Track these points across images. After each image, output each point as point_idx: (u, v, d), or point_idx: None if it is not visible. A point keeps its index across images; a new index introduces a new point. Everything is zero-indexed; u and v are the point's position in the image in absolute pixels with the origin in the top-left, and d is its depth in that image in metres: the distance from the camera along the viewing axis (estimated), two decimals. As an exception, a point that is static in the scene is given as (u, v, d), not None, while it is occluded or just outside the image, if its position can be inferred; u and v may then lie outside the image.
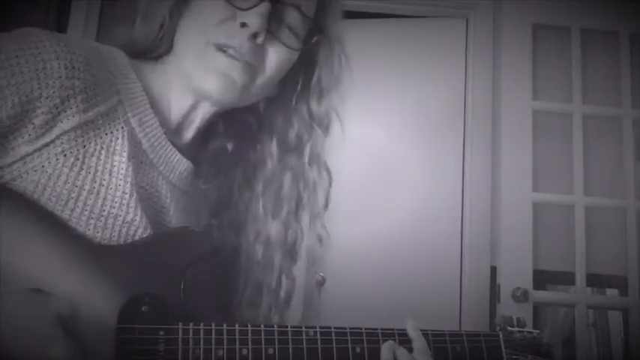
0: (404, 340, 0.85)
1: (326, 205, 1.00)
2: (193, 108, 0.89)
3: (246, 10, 0.80)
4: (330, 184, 0.99)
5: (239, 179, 0.97)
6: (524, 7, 2.56)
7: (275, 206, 0.95)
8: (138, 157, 0.83)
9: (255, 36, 0.81)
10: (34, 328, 0.62)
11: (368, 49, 2.77)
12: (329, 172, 0.99)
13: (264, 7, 0.81)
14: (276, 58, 0.85)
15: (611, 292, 2.62)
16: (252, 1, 0.80)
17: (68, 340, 0.62)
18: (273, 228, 0.94)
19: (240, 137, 0.99)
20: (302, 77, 0.94)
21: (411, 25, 2.80)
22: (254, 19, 0.80)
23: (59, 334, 0.63)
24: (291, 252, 0.96)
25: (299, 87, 0.94)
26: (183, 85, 0.87)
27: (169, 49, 0.89)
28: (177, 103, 0.89)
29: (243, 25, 0.81)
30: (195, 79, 0.83)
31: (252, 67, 0.83)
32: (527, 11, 2.56)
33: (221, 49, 0.82)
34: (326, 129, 0.96)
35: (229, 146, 0.99)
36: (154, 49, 0.90)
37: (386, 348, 0.82)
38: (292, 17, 0.85)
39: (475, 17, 2.66)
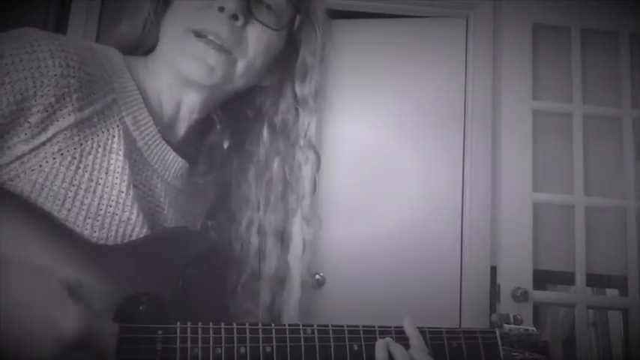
0: (401, 337, 0.85)
1: (314, 188, 0.99)
2: (180, 97, 0.89)
3: None
4: (317, 167, 0.98)
5: (236, 172, 0.97)
6: (524, 7, 2.56)
7: (266, 192, 0.95)
8: (132, 155, 0.83)
9: (234, 18, 0.82)
10: (42, 299, 0.60)
11: (368, 49, 2.78)
12: (317, 155, 0.98)
13: None
14: (257, 39, 0.86)
15: (611, 292, 2.62)
16: None
17: (78, 306, 0.61)
18: (265, 214, 0.95)
19: (237, 130, 0.99)
20: (287, 59, 0.94)
21: (411, 25, 2.80)
22: (230, 1, 0.81)
23: (69, 300, 0.61)
24: (282, 236, 0.96)
25: (284, 69, 0.95)
26: (168, 73, 0.87)
27: (156, 42, 0.90)
28: (166, 95, 0.89)
29: (221, 9, 0.82)
30: (176, 64, 0.84)
31: (231, 51, 0.84)
32: (527, 11, 2.56)
33: (200, 34, 0.83)
34: (311, 111, 0.96)
35: (226, 142, 1.00)
36: (142, 45, 0.91)
37: (380, 345, 0.82)
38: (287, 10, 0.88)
39: (475, 17, 2.66)
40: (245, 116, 0.98)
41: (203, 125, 0.96)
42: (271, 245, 0.95)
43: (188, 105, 0.90)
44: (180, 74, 0.85)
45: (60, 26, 2.42)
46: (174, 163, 0.90)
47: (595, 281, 2.45)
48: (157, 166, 0.87)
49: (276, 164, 0.95)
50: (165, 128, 0.90)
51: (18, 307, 0.59)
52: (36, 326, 0.59)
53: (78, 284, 0.64)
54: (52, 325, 0.59)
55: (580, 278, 2.34)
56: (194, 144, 0.96)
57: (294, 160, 0.96)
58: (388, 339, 0.83)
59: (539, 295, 2.35)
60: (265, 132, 0.95)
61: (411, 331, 0.85)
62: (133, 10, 0.91)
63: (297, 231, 0.99)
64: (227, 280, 0.94)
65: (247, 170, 0.96)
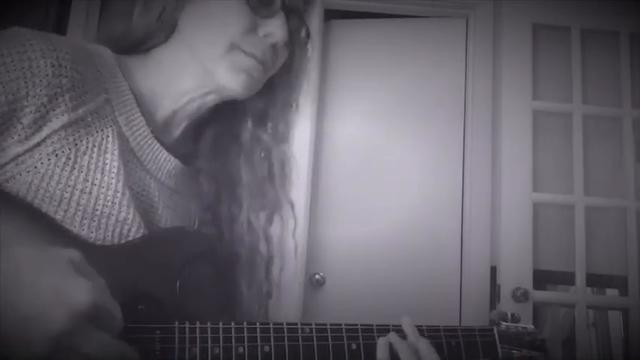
0: (400, 336, 0.85)
1: (290, 173, 1.01)
2: (189, 104, 0.90)
3: (266, 18, 0.86)
4: (289, 155, 1.02)
5: (230, 168, 0.98)
6: (524, 7, 2.56)
7: (252, 182, 0.97)
8: (125, 156, 0.83)
9: (274, 44, 0.88)
10: (52, 273, 0.60)
11: (368, 49, 2.78)
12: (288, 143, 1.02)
13: (282, 17, 0.87)
14: (282, 57, 0.92)
15: (611, 292, 2.62)
16: (272, 11, 0.86)
17: (87, 280, 0.61)
18: (253, 203, 0.97)
19: (229, 126, 0.99)
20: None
21: (411, 25, 2.80)
22: (278, 32, 0.87)
23: (77, 274, 0.61)
24: (270, 218, 0.98)
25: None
26: (193, 81, 0.88)
27: (166, 38, 0.89)
28: (168, 100, 0.89)
29: (267, 36, 0.87)
30: (217, 77, 0.87)
31: (268, 67, 0.89)
32: (527, 11, 2.56)
33: (247, 54, 0.86)
34: (285, 101, 1.00)
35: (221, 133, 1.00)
36: (149, 39, 0.90)
37: (381, 342, 0.83)
38: (294, 21, 0.91)
39: (475, 17, 2.66)
40: (236, 111, 0.99)
41: (198, 125, 0.97)
42: (262, 228, 0.97)
43: (191, 109, 0.91)
44: (219, 86, 0.88)
45: (60, 26, 2.42)
46: (167, 163, 0.89)
47: (595, 281, 2.46)
48: (149, 166, 0.87)
49: (257, 154, 0.98)
50: (160, 129, 0.90)
51: (28, 282, 0.58)
52: (48, 298, 0.58)
53: (83, 262, 0.63)
54: (64, 297, 0.58)
55: (580, 278, 2.34)
56: (188, 144, 0.96)
57: (273, 150, 0.99)
58: (393, 336, 0.83)
59: (539, 295, 2.35)
60: (249, 124, 0.98)
61: (409, 329, 0.85)
62: (147, 5, 0.89)
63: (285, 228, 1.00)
64: (231, 279, 0.94)
65: (237, 163, 0.98)
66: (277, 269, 0.99)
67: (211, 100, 0.91)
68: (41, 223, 0.73)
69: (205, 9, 0.87)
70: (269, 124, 0.98)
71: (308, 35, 0.95)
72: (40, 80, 0.73)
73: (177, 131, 0.92)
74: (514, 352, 0.91)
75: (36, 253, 0.61)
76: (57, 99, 0.75)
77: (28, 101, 0.73)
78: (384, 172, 2.65)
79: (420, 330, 0.86)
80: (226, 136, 0.98)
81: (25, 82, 0.73)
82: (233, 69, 0.86)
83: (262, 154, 0.98)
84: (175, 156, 0.91)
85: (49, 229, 0.74)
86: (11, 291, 0.57)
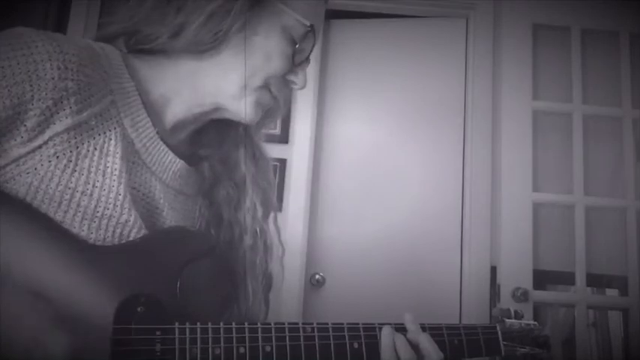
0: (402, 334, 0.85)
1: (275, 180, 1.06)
2: (205, 113, 0.92)
3: (296, 67, 0.89)
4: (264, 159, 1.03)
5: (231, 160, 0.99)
6: (524, 7, 2.56)
7: (252, 178, 0.98)
8: (130, 157, 0.83)
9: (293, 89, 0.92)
10: (32, 326, 0.62)
11: (368, 49, 2.78)
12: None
13: (306, 65, 0.91)
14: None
15: (611, 292, 2.62)
16: (302, 57, 0.89)
17: (65, 337, 0.63)
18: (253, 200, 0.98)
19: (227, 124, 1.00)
20: None
21: (411, 25, 2.80)
22: (301, 81, 0.91)
23: (59, 329, 0.63)
24: (262, 189, 0.99)
25: None
26: (215, 95, 0.89)
27: (185, 46, 0.85)
28: (174, 109, 0.89)
29: (292, 83, 0.91)
30: (242, 104, 0.88)
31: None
32: (527, 11, 2.56)
33: (271, 92, 0.90)
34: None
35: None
36: (160, 36, 0.84)
37: (386, 332, 0.83)
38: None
39: (475, 17, 2.66)
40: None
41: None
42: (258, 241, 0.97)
43: (199, 118, 0.93)
44: (236, 110, 0.89)
45: (60, 26, 2.42)
46: (172, 164, 0.89)
47: (595, 281, 2.45)
48: (154, 168, 0.87)
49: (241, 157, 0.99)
50: (167, 132, 0.90)
51: (13, 326, 0.62)
52: (29, 346, 0.61)
53: (68, 317, 0.66)
54: (43, 350, 0.62)
55: (580, 278, 2.34)
56: (193, 143, 0.96)
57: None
58: (393, 330, 0.84)
59: (539, 295, 2.35)
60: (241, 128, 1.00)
61: (412, 327, 0.85)
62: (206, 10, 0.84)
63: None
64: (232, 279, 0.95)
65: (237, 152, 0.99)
66: (277, 270, 0.99)
67: (219, 114, 0.92)
68: (40, 222, 0.73)
69: (253, 41, 0.85)
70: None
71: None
72: (46, 84, 0.73)
73: (183, 134, 0.93)
74: (518, 349, 0.91)
75: (26, 298, 0.64)
76: (62, 102, 0.74)
77: (33, 104, 0.72)
78: (384, 171, 2.65)
79: (423, 328, 0.86)
80: (226, 130, 0.98)
81: (31, 86, 0.72)
82: (257, 104, 0.89)
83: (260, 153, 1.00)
84: (180, 157, 0.91)
85: (48, 229, 0.73)
86: None
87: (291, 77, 0.90)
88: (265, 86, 0.88)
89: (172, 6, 0.83)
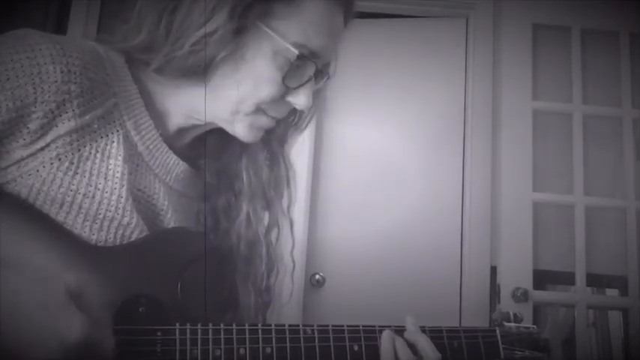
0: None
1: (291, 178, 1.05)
2: (202, 126, 0.92)
3: (297, 88, 0.85)
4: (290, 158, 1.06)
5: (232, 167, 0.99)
6: (524, 7, 2.56)
7: (253, 183, 0.98)
8: (133, 160, 0.83)
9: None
10: (48, 305, 0.62)
11: (368, 49, 2.77)
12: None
13: (311, 84, 0.86)
14: None
15: (611, 292, 2.62)
16: (301, 80, 0.85)
17: (81, 314, 0.63)
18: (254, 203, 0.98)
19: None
20: None
21: (411, 25, 2.79)
22: (303, 101, 0.87)
23: (72, 308, 0.63)
24: (267, 199, 0.99)
25: None
26: (211, 116, 0.88)
27: (178, 72, 0.83)
28: (174, 121, 0.90)
29: (294, 103, 0.87)
30: (236, 127, 0.87)
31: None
32: (527, 11, 2.56)
33: (267, 115, 0.87)
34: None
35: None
36: (152, 62, 0.83)
37: (386, 336, 0.83)
38: (320, 79, 0.93)
39: (475, 17, 2.65)
40: None
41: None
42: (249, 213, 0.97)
43: (198, 129, 0.93)
44: (234, 133, 0.89)
45: (60, 26, 2.41)
46: (175, 166, 0.89)
47: (595, 281, 2.45)
48: (158, 170, 0.87)
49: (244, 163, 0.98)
50: (169, 134, 0.90)
51: (25, 311, 0.60)
52: (41, 331, 0.60)
53: (80, 292, 0.65)
54: (57, 331, 0.60)
55: (580, 278, 2.34)
56: (198, 147, 0.96)
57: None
58: (391, 332, 0.84)
59: (539, 295, 2.35)
60: None
61: (411, 327, 0.85)
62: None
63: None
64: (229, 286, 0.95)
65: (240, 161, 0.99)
66: (277, 270, 0.99)
67: (218, 128, 0.92)
68: (42, 223, 0.73)
69: (241, 68, 0.83)
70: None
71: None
72: (49, 86, 0.73)
73: (187, 138, 0.93)
74: (517, 352, 0.91)
75: (36, 280, 0.63)
76: (65, 105, 0.75)
77: (36, 107, 0.73)
78: (383, 171, 2.65)
79: (422, 331, 0.86)
80: (227, 139, 0.98)
81: (34, 89, 0.72)
82: (252, 127, 0.87)
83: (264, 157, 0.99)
84: (184, 159, 0.91)
85: (50, 230, 0.74)
86: (10, 319, 0.60)
87: (290, 99, 0.87)
88: (259, 110, 0.86)
89: (161, 34, 0.81)
